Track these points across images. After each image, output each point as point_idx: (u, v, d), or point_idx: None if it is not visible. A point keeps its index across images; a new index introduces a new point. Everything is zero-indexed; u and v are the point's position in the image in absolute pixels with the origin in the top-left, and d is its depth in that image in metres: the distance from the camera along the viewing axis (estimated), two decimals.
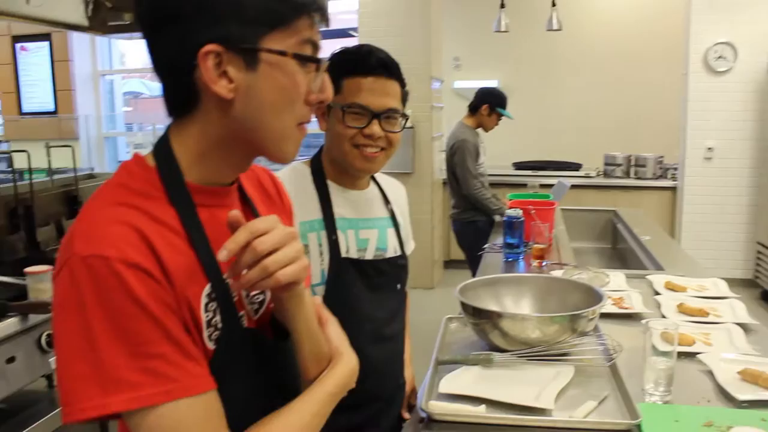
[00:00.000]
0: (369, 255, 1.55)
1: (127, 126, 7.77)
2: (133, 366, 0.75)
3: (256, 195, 1.04)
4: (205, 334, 0.85)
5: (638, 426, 1.26)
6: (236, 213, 0.82)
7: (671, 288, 2.21)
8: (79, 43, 6.92)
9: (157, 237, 0.80)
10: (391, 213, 1.65)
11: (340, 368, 0.99)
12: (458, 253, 6.40)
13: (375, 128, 1.48)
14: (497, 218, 4.05)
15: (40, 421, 2.04)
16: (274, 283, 0.82)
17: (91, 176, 4.09)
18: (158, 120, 7.17)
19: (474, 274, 4.31)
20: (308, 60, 0.87)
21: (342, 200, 1.54)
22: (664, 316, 1.92)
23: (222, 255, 0.79)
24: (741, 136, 5.68)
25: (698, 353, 1.62)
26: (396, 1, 5.96)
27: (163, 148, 0.88)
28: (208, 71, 0.81)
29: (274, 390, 0.93)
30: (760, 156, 5.55)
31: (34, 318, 2.05)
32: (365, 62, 1.48)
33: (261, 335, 0.94)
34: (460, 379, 1.46)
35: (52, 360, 2.10)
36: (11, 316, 1.99)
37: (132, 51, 7.82)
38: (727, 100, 5.64)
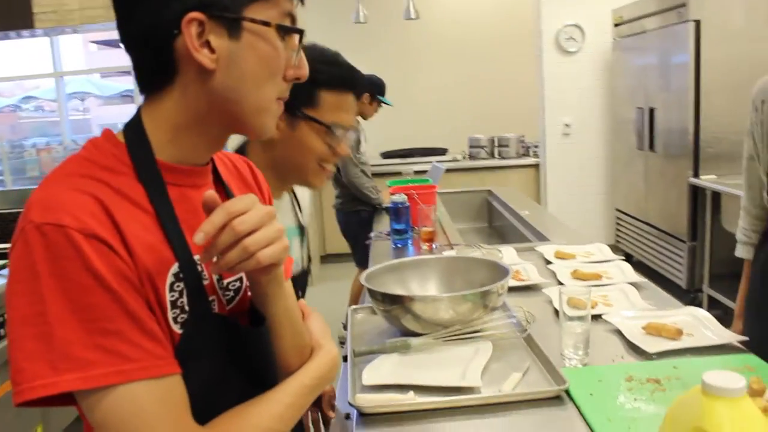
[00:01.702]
0: None
1: None
2: (87, 342, 0.70)
3: (233, 181, 1.00)
4: (170, 315, 0.79)
5: (566, 390, 1.27)
6: (212, 193, 0.77)
7: (561, 257, 2.28)
8: None
9: (121, 211, 0.75)
10: (299, 221, 1.58)
11: (319, 360, 0.96)
12: (334, 247, 6.40)
13: (345, 147, 1.44)
14: (379, 205, 4.06)
15: None
16: (254, 264, 0.78)
17: None
18: (5, 134, 6.62)
19: (360, 265, 4.34)
20: (292, 31, 0.85)
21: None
22: (561, 283, 1.97)
23: (198, 237, 0.73)
24: (594, 112, 6.01)
25: (601, 314, 1.67)
26: None
27: (133, 125, 0.83)
28: (191, 39, 0.78)
29: (248, 379, 0.88)
30: (613, 128, 5.90)
31: None
32: (354, 80, 1.42)
33: (232, 322, 0.87)
34: (381, 369, 1.41)
35: None
36: None
37: None
38: (578, 79, 5.95)
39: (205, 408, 0.80)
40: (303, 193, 1.67)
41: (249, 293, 0.93)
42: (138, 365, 0.72)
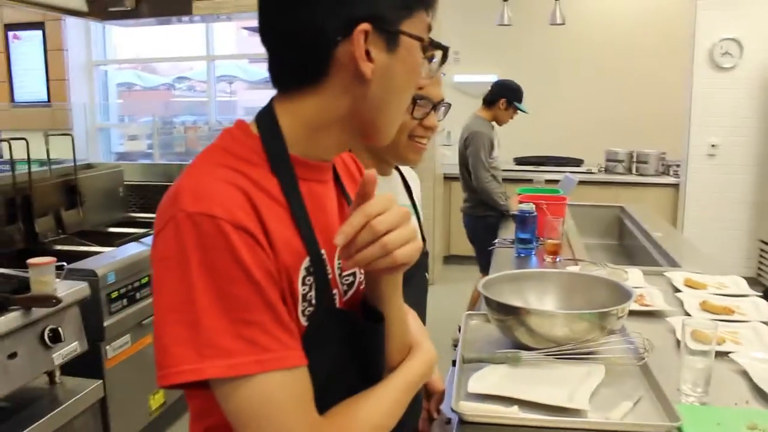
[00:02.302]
0: None
1: (119, 118, 7.67)
2: (231, 331, 0.73)
3: (344, 175, 1.02)
4: (300, 308, 0.82)
5: (679, 428, 1.21)
6: (372, 173, 0.81)
7: (691, 285, 2.16)
8: (73, 31, 6.82)
9: (262, 203, 0.78)
10: (413, 202, 1.60)
11: (420, 358, 0.97)
12: (459, 249, 6.38)
13: (435, 120, 1.44)
14: (506, 212, 4.02)
15: (42, 420, 1.98)
16: (390, 262, 0.80)
17: (89, 166, 4.02)
18: (152, 112, 7.08)
19: (483, 270, 4.31)
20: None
21: (384, 187, 1.49)
22: (687, 314, 1.87)
23: (339, 239, 0.77)
24: (745, 134, 5.64)
25: (729, 352, 1.57)
26: None
27: (267, 118, 0.86)
28: (359, 49, 0.80)
29: (360, 374, 0.90)
30: (764, 153, 5.52)
31: (36, 312, 1.97)
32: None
33: (353, 316, 0.91)
34: (489, 379, 1.40)
35: (56, 356, 2.04)
36: (13, 310, 1.92)
37: (125, 41, 7.72)
38: (731, 97, 5.60)
39: (322, 399, 0.81)
40: (412, 176, 1.68)
41: (362, 287, 0.95)
42: (274, 356, 0.75)
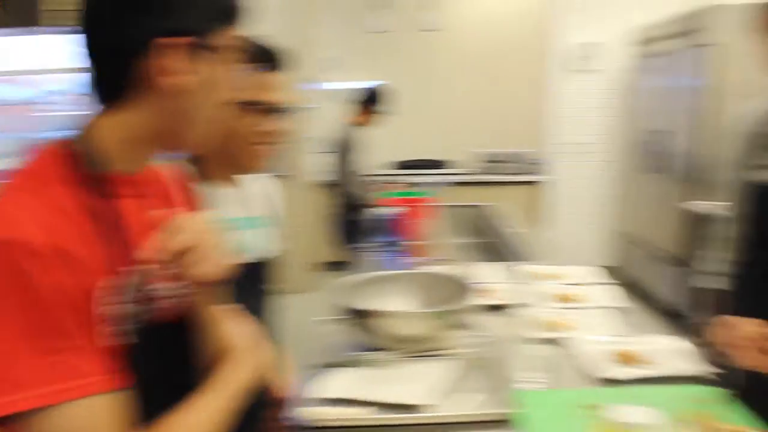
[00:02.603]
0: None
1: None
2: (37, 362, 0.70)
3: (167, 188, 1.01)
4: (112, 327, 0.79)
5: (520, 414, 1.24)
6: (159, 212, 0.84)
7: (542, 277, 2.24)
8: None
9: (70, 225, 0.76)
10: (263, 211, 1.56)
11: (240, 363, 0.96)
12: (333, 254, 6.34)
13: (275, 125, 1.40)
14: (373, 216, 4.06)
15: None
16: (191, 280, 0.85)
17: None
18: (22, 127, 6.67)
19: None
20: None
21: (223, 198, 1.44)
22: (536, 305, 1.93)
23: (141, 256, 0.79)
24: (603, 131, 5.96)
25: (569, 337, 1.63)
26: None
27: (83, 133, 0.84)
28: (167, 62, 0.81)
29: (181, 384, 0.88)
30: (625, 150, 5.82)
31: None
32: (268, 57, 1.38)
33: (168, 328, 0.90)
34: (341, 382, 1.40)
35: None
36: None
37: None
38: (592, 97, 5.92)
39: (146, 414, 0.80)
40: (271, 185, 1.64)
41: (182, 299, 0.93)
42: (83, 382, 0.73)
